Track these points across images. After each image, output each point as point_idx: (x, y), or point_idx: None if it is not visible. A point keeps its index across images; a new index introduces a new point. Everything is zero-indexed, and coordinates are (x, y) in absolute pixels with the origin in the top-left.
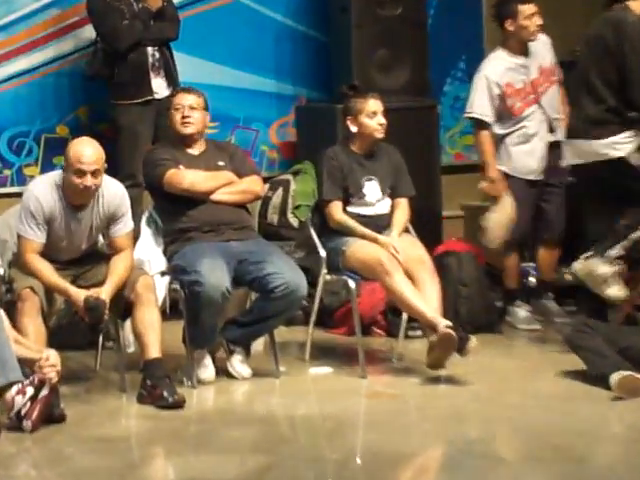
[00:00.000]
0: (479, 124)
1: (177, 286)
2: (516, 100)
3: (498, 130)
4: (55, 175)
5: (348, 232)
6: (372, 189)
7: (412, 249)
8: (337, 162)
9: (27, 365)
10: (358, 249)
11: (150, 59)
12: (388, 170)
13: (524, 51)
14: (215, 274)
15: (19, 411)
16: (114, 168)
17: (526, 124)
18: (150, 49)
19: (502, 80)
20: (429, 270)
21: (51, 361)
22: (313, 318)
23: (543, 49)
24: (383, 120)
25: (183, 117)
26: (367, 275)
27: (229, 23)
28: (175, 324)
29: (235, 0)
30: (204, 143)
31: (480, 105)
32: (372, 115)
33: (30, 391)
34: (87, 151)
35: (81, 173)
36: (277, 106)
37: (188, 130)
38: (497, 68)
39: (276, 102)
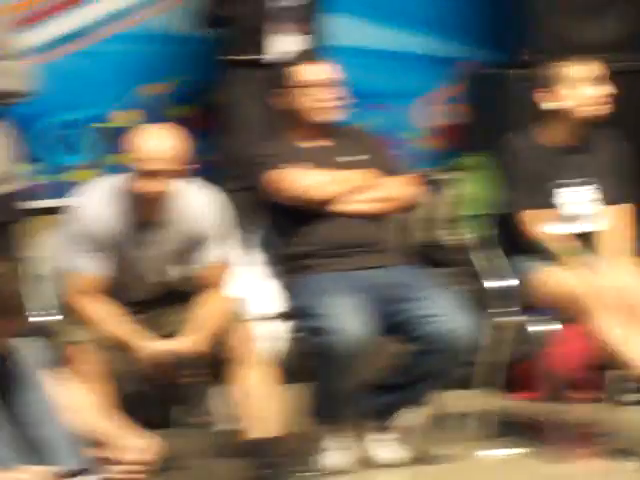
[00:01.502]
0: None
1: (293, 335)
2: None
3: None
4: (115, 181)
5: (548, 257)
6: (572, 198)
7: (635, 280)
8: (525, 157)
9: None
10: (547, 277)
11: (280, 3)
12: (604, 168)
13: None
14: (349, 317)
15: None
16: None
17: None
18: None
19: None
20: None
21: (147, 457)
22: (483, 377)
23: None
24: (604, 91)
25: (319, 99)
26: (559, 310)
27: None
28: (294, 389)
29: None
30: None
31: None
32: (591, 83)
33: None
34: (157, 143)
35: (148, 175)
36: (434, 74)
37: (327, 117)
38: None
39: (432, 68)
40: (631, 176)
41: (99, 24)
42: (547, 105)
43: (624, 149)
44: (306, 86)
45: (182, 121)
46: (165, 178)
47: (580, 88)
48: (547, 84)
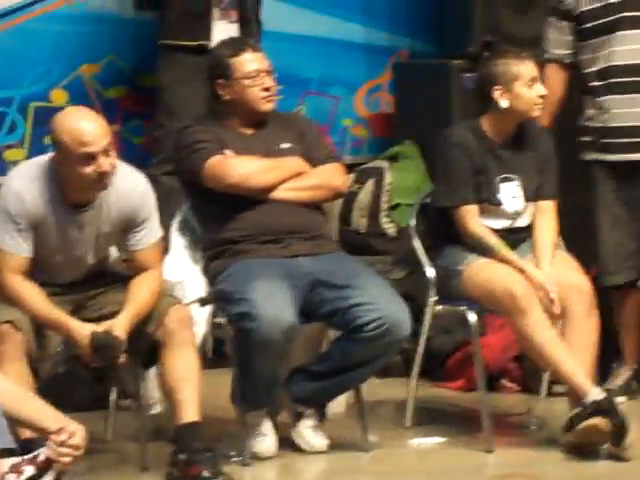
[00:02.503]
0: None
1: (223, 320)
2: None
3: None
4: (41, 162)
5: (484, 251)
6: (511, 193)
7: (566, 272)
8: (468, 152)
9: (35, 432)
10: (481, 270)
11: None
12: (534, 164)
13: None
14: (274, 303)
15: None
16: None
17: None
18: None
19: None
20: (588, 304)
21: (74, 442)
22: (417, 367)
23: None
24: (544, 90)
25: (265, 88)
26: (492, 308)
27: None
28: (221, 374)
29: None
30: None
31: None
32: (531, 83)
33: (29, 471)
34: (89, 125)
35: (91, 158)
36: (366, 63)
37: (272, 106)
38: None
39: (364, 57)
40: (557, 172)
41: (33, 2)
42: (503, 102)
43: (552, 145)
44: (250, 76)
45: (115, 103)
46: (102, 154)
47: (535, 88)
48: (500, 81)
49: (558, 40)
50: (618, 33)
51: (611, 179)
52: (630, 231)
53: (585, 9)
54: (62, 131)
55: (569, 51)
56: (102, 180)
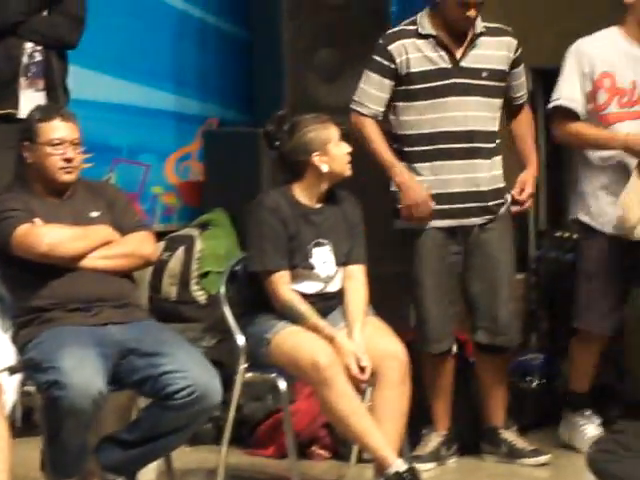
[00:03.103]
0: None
1: (32, 388)
2: (611, 101)
3: None
4: None
5: (293, 317)
6: (323, 258)
7: (380, 339)
8: (281, 217)
9: None
10: (288, 339)
11: (25, 58)
12: (344, 230)
13: None
14: (82, 371)
15: None
16: None
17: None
18: (29, 46)
19: (601, 63)
20: (402, 371)
21: None
22: (228, 434)
23: None
24: (349, 148)
25: (66, 159)
26: (298, 376)
27: (114, 16)
28: (30, 442)
29: None
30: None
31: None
32: (339, 143)
33: None
34: None
35: None
36: (177, 131)
37: (70, 177)
38: (601, 42)
39: (175, 125)
40: (362, 236)
41: None
42: (323, 167)
43: (360, 212)
44: (53, 144)
45: None
46: None
47: (342, 146)
48: (315, 147)
49: (377, 97)
50: (448, 99)
51: (437, 245)
52: (451, 297)
53: (414, 70)
54: None
55: (383, 109)
56: None
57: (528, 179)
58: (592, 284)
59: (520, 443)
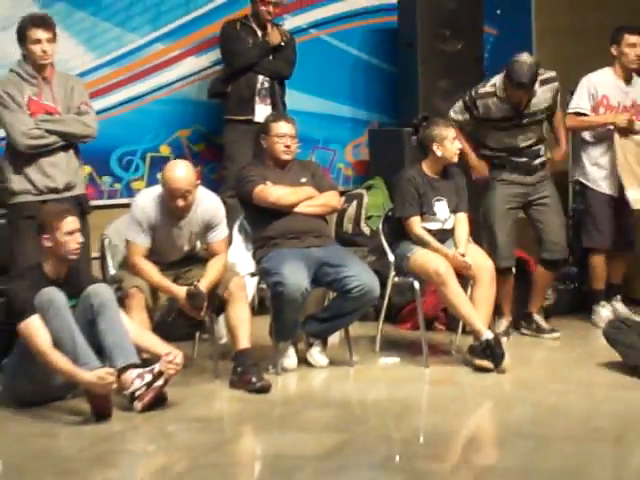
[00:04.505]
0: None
1: (264, 286)
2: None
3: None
4: (158, 189)
5: (423, 244)
6: (441, 209)
7: (477, 257)
8: (415, 184)
9: (152, 355)
10: (420, 257)
11: (258, 85)
12: (454, 191)
13: (627, 79)
14: (296, 276)
15: (134, 392)
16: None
17: None
18: (261, 77)
19: (601, 89)
20: (490, 277)
21: (177, 361)
22: (383, 315)
23: None
24: (460, 145)
25: (286, 146)
26: (425, 279)
27: (311, 57)
28: (263, 319)
29: (316, 37)
30: (289, 162)
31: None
32: (452, 141)
33: (148, 378)
34: (177, 175)
35: (174, 196)
36: (352, 129)
37: (289, 157)
38: (601, 77)
39: (351, 125)
40: (466, 195)
41: (147, 93)
42: (438, 152)
43: (464, 179)
44: (279, 136)
45: (199, 154)
46: (181, 198)
47: (455, 143)
48: (436, 139)
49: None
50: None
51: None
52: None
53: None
54: (164, 174)
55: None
56: (178, 211)
57: (560, 151)
58: (595, 217)
59: (544, 324)
